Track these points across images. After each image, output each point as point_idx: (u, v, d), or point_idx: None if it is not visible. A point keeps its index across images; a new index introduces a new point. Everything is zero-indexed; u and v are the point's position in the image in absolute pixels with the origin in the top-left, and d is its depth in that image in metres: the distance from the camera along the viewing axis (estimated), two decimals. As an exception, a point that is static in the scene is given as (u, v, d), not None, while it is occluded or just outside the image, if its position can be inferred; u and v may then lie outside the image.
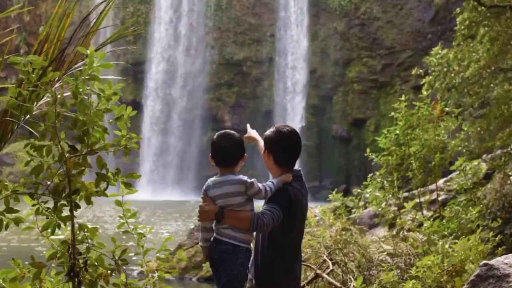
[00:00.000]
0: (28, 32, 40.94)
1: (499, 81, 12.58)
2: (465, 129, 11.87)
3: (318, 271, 7.70)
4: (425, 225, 8.26)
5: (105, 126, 3.68)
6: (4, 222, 3.60)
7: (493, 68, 12.50)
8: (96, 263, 3.77)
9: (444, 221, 9.85)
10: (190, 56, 42.30)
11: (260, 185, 3.86)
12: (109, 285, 3.86)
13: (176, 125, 41.77)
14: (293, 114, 40.75)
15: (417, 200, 11.10)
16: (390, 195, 10.54)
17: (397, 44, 39.52)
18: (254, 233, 3.97)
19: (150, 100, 41.67)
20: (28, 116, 3.60)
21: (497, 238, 8.16)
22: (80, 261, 3.71)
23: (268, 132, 4.09)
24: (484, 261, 5.22)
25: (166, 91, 41.96)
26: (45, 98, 3.65)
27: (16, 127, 3.76)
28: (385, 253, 8.27)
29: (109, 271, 3.84)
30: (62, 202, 3.66)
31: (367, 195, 10.89)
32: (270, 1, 42.04)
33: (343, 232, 8.51)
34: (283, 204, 3.85)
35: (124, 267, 3.91)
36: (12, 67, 3.73)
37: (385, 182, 10.94)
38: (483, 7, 12.41)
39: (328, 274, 7.72)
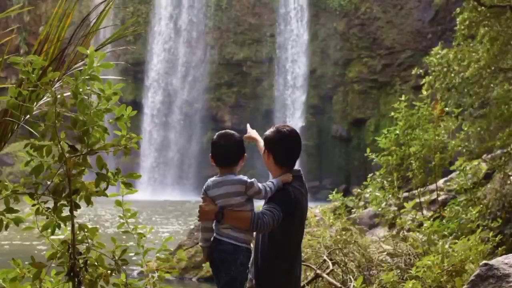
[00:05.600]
0: (28, 32, 40.92)
1: (499, 81, 12.58)
2: (465, 129, 11.87)
3: (318, 271, 7.70)
4: (425, 225, 8.26)
5: (105, 126, 3.68)
6: (4, 222, 3.60)
7: (493, 68, 12.50)
8: (96, 263, 3.77)
9: (444, 221, 9.86)
10: (190, 47, 42.35)
11: (260, 185, 3.86)
12: (109, 285, 3.86)
13: (177, 119, 41.79)
14: (293, 110, 40.73)
15: (417, 200, 11.10)
16: (390, 195, 10.55)
17: (397, 44, 39.50)
18: (254, 233, 3.97)
19: (151, 91, 41.74)
20: (28, 116, 3.59)
21: (497, 238, 8.17)
22: (80, 261, 3.71)
23: (268, 132, 4.09)
24: (484, 261, 5.23)
25: (168, 80, 42.03)
26: (45, 98, 3.64)
27: (16, 127, 3.76)
28: (385, 253, 8.28)
29: (109, 271, 3.83)
30: (62, 202, 3.66)
31: (367, 195, 10.90)
32: (270, 1, 42.03)
33: (343, 232, 8.51)
34: (283, 204, 3.85)
35: (124, 267, 3.91)
36: (12, 67, 3.73)
37: (385, 182, 10.94)
38: (483, 7, 12.41)
39: (328, 274, 7.72)
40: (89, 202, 3.71)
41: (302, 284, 6.73)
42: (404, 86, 37.38)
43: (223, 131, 4.08)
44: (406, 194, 12.25)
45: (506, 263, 5.00)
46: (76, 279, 3.68)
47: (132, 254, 4.08)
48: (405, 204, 9.20)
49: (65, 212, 3.68)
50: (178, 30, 42.51)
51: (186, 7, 42.62)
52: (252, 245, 3.99)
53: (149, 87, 41.80)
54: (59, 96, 3.54)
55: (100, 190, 3.71)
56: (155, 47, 41.99)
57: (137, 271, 9.59)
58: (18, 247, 15.73)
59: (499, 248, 8.28)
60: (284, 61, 41.60)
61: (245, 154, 3.99)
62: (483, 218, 9.86)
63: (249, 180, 3.83)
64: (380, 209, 10.34)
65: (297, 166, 4.08)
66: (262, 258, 3.95)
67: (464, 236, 7.59)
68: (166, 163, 41.14)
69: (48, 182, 3.65)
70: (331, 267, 7.88)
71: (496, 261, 5.08)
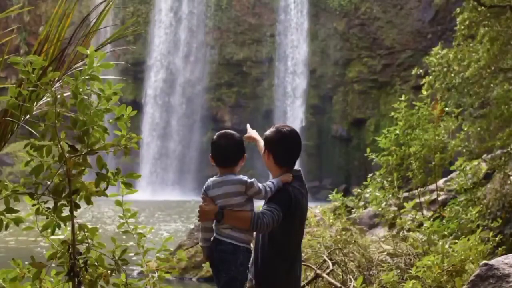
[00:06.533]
0: (28, 32, 40.89)
1: (499, 81, 12.57)
2: (465, 129, 11.87)
3: (318, 271, 7.70)
4: (425, 225, 8.26)
5: (105, 126, 3.68)
6: (4, 222, 3.60)
7: (493, 68, 12.49)
8: (96, 263, 3.77)
9: (444, 221, 9.86)
10: (189, 63, 42.20)
11: (260, 185, 3.86)
12: (109, 285, 3.86)
13: (175, 130, 41.78)
14: (293, 118, 40.70)
15: (417, 200, 11.11)
16: (390, 195, 10.55)
17: (397, 44, 39.51)
18: (254, 233, 3.97)
19: (149, 107, 41.60)
20: (28, 116, 3.59)
21: (497, 238, 8.17)
22: (80, 261, 3.71)
23: (268, 132, 4.09)
24: (484, 261, 5.23)
25: (165, 99, 41.92)
26: (45, 98, 3.65)
27: (16, 127, 3.76)
28: (385, 253, 8.27)
29: (109, 271, 3.84)
30: (62, 202, 3.66)
31: (367, 195, 10.90)
32: (270, 1, 42.02)
33: (343, 232, 8.51)
34: (283, 204, 3.85)
35: (124, 267, 3.91)
36: (12, 67, 3.73)
37: (385, 182, 10.95)
38: (483, 7, 12.41)
39: (328, 274, 7.72)
40: (89, 202, 3.71)
41: (302, 284, 6.73)
42: (404, 86, 37.37)
43: (223, 131, 4.07)
44: (406, 194, 12.25)
45: (506, 263, 5.00)
46: (76, 279, 3.68)
47: (132, 254, 4.08)
48: (405, 204, 9.20)
49: (65, 212, 3.68)
50: (177, 41, 42.24)
51: (186, 13, 42.51)
52: (252, 245, 3.99)
53: (147, 103, 41.62)
54: (59, 96, 3.54)
55: (100, 190, 3.72)
56: (153, 63, 41.78)
57: (137, 271, 9.59)
58: (14, 250, 15.67)
59: (499, 248, 8.28)
60: (283, 72, 41.55)
61: (245, 154, 3.99)
62: (483, 218, 9.86)
63: (249, 180, 3.83)
64: (380, 209, 10.34)
65: (297, 166, 4.08)
66: (262, 258, 3.95)
67: (464, 236, 7.59)
68: (164, 168, 41.04)
69: (48, 182, 3.65)
70: (331, 267, 7.88)
71: (496, 261, 5.08)
